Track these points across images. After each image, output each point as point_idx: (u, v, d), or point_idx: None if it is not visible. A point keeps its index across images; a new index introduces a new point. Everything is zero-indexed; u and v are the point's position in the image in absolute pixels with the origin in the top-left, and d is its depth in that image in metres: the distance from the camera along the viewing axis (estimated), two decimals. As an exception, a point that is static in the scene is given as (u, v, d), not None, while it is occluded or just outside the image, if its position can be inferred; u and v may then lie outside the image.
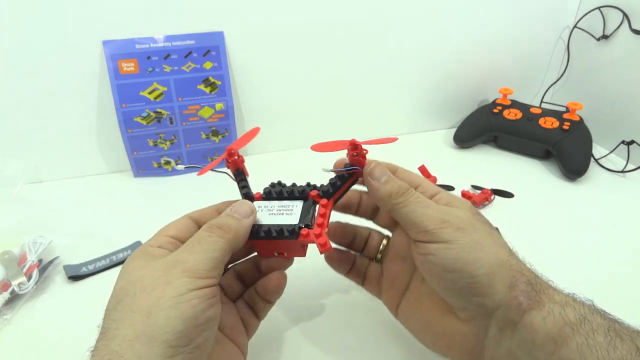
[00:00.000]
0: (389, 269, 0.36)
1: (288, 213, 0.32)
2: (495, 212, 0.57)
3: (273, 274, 0.34)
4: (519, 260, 0.30)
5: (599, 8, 0.69)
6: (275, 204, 0.33)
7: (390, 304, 0.36)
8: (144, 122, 0.60)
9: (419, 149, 0.73)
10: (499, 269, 0.28)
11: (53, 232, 0.51)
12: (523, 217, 0.56)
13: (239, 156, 0.35)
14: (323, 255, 0.35)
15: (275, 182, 0.36)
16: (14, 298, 0.43)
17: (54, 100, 0.59)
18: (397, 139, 0.34)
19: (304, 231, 0.30)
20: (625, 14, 0.66)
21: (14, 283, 0.43)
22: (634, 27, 0.65)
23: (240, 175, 0.35)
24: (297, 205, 0.33)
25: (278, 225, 0.31)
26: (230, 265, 0.36)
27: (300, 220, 0.31)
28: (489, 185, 0.60)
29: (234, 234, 0.29)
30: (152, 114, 0.60)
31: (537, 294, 0.28)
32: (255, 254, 0.36)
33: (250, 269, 0.35)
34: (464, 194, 0.59)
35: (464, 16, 0.69)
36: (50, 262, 0.47)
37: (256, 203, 0.33)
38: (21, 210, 0.56)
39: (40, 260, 0.47)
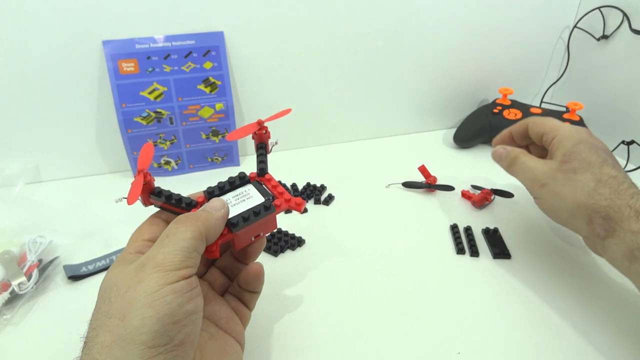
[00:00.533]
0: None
1: (248, 198, 0.34)
2: (495, 212, 0.57)
3: (250, 266, 0.35)
4: (601, 195, 0.37)
5: (599, 8, 0.69)
6: (228, 196, 0.34)
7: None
8: (144, 122, 0.60)
9: (419, 149, 0.73)
10: (577, 210, 0.38)
11: (53, 232, 0.51)
12: (523, 217, 0.56)
13: (266, 131, 0.37)
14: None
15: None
16: (14, 298, 0.43)
17: (54, 101, 0.59)
18: (291, 109, 0.39)
19: (276, 202, 0.34)
20: (625, 14, 0.66)
21: (14, 283, 0.43)
22: (634, 27, 0.65)
23: (261, 150, 0.37)
24: (249, 189, 0.35)
25: (251, 210, 0.32)
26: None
27: (264, 196, 0.34)
28: (489, 185, 0.60)
29: (202, 222, 0.29)
30: (152, 114, 0.60)
31: (612, 225, 0.36)
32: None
33: (230, 262, 0.36)
34: (464, 194, 0.59)
35: (464, 16, 0.69)
36: (50, 262, 0.47)
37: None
38: (21, 210, 0.56)
39: (40, 260, 0.47)
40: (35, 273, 0.45)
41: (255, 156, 0.37)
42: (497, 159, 0.48)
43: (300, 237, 0.51)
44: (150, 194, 0.32)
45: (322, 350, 0.39)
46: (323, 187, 0.61)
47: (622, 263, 0.36)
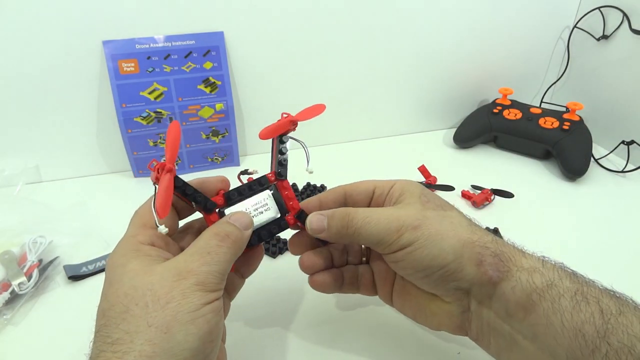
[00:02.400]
0: (377, 267, 0.37)
1: (265, 210, 0.33)
2: (495, 212, 0.57)
3: (252, 251, 0.34)
4: (480, 231, 0.31)
5: (599, 8, 0.69)
6: (248, 204, 0.33)
7: (385, 298, 0.37)
8: (144, 122, 0.60)
9: (419, 149, 0.73)
10: (463, 250, 0.30)
11: (53, 232, 0.51)
12: (523, 217, 0.56)
13: (294, 128, 0.35)
14: (312, 287, 0.36)
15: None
16: (14, 298, 0.43)
17: (54, 101, 0.59)
18: (325, 106, 0.36)
19: (289, 219, 0.34)
20: (625, 14, 0.66)
21: (14, 283, 0.43)
22: (634, 27, 0.65)
23: (282, 146, 0.35)
24: (267, 198, 0.33)
25: (267, 225, 0.33)
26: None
27: (280, 210, 0.33)
28: (489, 185, 0.60)
29: (239, 247, 0.29)
30: (152, 114, 0.60)
31: (505, 263, 0.29)
32: None
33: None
34: (464, 194, 0.59)
35: (464, 16, 0.69)
36: (50, 262, 0.47)
37: (233, 209, 0.33)
38: (21, 210, 0.56)
39: (40, 260, 0.47)
40: (35, 273, 0.45)
41: (269, 154, 0.35)
42: (319, 229, 0.33)
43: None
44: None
45: (322, 349, 0.39)
46: (323, 187, 0.61)
47: (515, 316, 0.28)
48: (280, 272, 0.47)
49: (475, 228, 0.31)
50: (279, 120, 0.34)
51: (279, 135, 0.34)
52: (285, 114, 0.35)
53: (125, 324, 0.24)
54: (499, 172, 0.66)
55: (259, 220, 0.33)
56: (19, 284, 0.43)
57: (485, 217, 0.55)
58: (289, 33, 0.63)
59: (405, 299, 0.35)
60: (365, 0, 0.63)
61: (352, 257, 0.38)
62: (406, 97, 0.75)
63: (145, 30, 0.58)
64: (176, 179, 0.29)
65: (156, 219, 0.28)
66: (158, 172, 0.28)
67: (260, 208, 0.33)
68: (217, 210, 0.32)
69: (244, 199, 0.33)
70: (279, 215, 0.33)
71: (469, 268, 0.29)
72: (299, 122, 0.35)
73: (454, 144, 0.73)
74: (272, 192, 0.34)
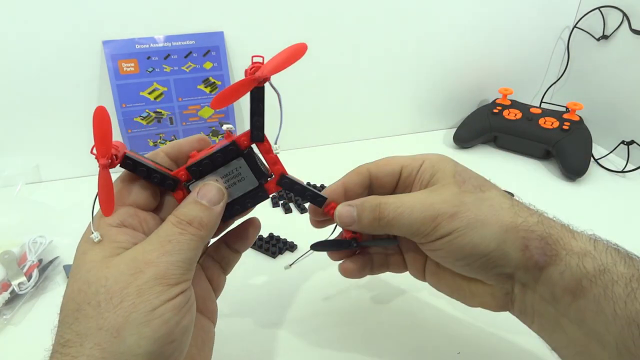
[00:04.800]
0: (405, 244, 0.34)
1: (239, 180, 0.29)
2: (495, 212, 0.57)
3: (247, 221, 0.31)
4: (524, 211, 0.28)
5: (599, 8, 0.69)
6: (217, 176, 0.28)
7: (417, 276, 0.34)
8: (144, 122, 0.60)
9: (419, 149, 0.72)
10: (506, 236, 0.27)
11: (53, 232, 0.51)
12: (523, 217, 0.56)
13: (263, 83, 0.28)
14: (342, 274, 0.34)
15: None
16: (14, 298, 0.43)
17: (54, 101, 0.59)
18: (306, 46, 0.30)
19: (269, 187, 0.29)
20: (625, 14, 0.66)
21: (14, 283, 0.43)
22: (634, 27, 0.65)
23: (257, 100, 0.29)
24: (241, 166, 0.28)
25: (241, 198, 0.29)
26: None
27: (258, 177, 0.29)
28: (489, 185, 0.60)
29: (206, 230, 0.26)
30: (152, 114, 0.60)
31: (552, 247, 0.27)
32: None
33: (219, 248, 0.33)
34: (464, 194, 0.59)
35: (464, 16, 0.69)
36: (50, 262, 0.47)
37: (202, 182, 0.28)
38: (21, 210, 0.56)
39: (40, 260, 0.47)
40: (35, 273, 0.45)
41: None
42: (349, 221, 0.30)
43: (292, 242, 0.51)
44: (120, 165, 0.26)
45: (322, 349, 0.39)
46: (323, 187, 0.61)
47: (562, 300, 0.26)
48: (280, 272, 0.47)
49: (518, 209, 0.28)
50: (241, 80, 0.27)
51: (251, 91, 0.28)
52: (256, 57, 0.28)
53: (77, 325, 0.22)
54: (499, 172, 0.65)
55: (234, 193, 0.29)
56: (19, 284, 0.43)
57: (485, 217, 0.55)
58: (289, 33, 0.63)
59: (441, 278, 0.32)
60: (365, 1, 0.63)
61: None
62: (406, 97, 0.74)
63: (145, 30, 0.58)
64: (125, 160, 0.26)
65: (91, 225, 0.25)
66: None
67: (233, 179, 0.28)
68: (183, 184, 0.28)
69: (211, 171, 0.28)
70: (257, 185, 0.29)
71: (513, 254, 0.27)
72: (272, 74, 0.28)
73: (454, 144, 0.73)
74: (245, 158, 0.28)
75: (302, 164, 0.69)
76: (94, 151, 0.24)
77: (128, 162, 0.26)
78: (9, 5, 0.52)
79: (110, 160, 0.25)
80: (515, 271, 0.28)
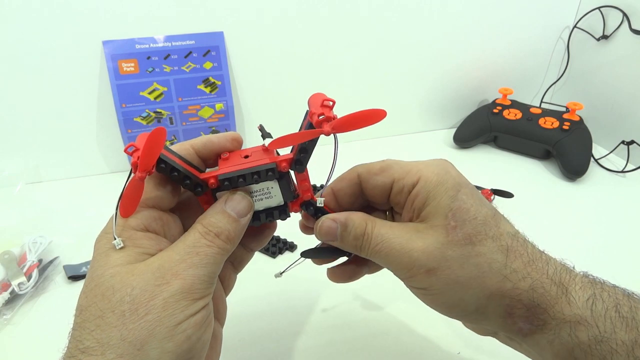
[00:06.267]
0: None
1: (267, 197, 0.28)
2: (495, 212, 0.57)
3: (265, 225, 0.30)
4: (518, 272, 0.25)
5: (599, 8, 0.69)
6: (248, 188, 0.28)
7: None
8: (144, 122, 0.60)
9: (419, 149, 0.73)
10: (488, 302, 0.25)
11: (53, 232, 0.51)
12: (523, 217, 0.55)
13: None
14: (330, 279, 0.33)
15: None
16: (14, 298, 0.43)
17: (54, 101, 0.59)
18: (385, 113, 0.27)
19: (292, 206, 0.29)
20: (625, 14, 0.66)
21: (14, 283, 0.43)
22: (634, 27, 0.65)
23: (312, 142, 0.28)
24: (273, 186, 0.28)
25: (267, 210, 0.28)
26: None
27: (285, 198, 0.28)
28: (489, 185, 0.60)
29: (232, 244, 0.25)
30: (152, 114, 0.60)
31: (540, 316, 0.24)
32: None
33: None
34: (464, 194, 0.59)
35: (464, 16, 0.69)
36: (50, 262, 0.47)
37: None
38: (21, 210, 0.56)
39: (40, 260, 0.47)
40: (35, 273, 0.45)
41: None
42: (330, 238, 0.29)
43: (292, 242, 0.51)
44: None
45: (321, 349, 0.39)
46: (323, 187, 0.61)
47: None
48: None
49: (512, 268, 0.25)
50: (305, 130, 0.26)
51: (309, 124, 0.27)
52: (327, 102, 0.26)
53: (99, 332, 0.22)
54: (499, 172, 0.66)
55: (258, 206, 0.28)
56: (19, 284, 0.43)
57: (485, 217, 0.55)
58: (289, 33, 0.63)
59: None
60: (365, 2, 0.63)
61: None
62: (406, 97, 0.74)
63: (145, 30, 0.58)
64: (160, 158, 0.25)
65: (114, 228, 0.24)
66: (136, 164, 0.23)
67: (261, 195, 0.28)
68: (209, 192, 0.27)
69: (244, 185, 0.27)
70: (282, 204, 0.29)
71: (495, 319, 0.25)
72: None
73: (454, 144, 0.73)
74: (280, 181, 0.28)
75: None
76: (136, 159, 0.23)
77: (161, 166, 0.25)
78: (8, 6, 0.52)
79: (147, 173, 0.24)
80: (498, 331, 0.27)
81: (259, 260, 0.49)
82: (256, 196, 0.28)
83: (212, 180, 0.26)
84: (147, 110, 0.60)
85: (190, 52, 0.60)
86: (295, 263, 0.33)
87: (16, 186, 0.59)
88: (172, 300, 0.22)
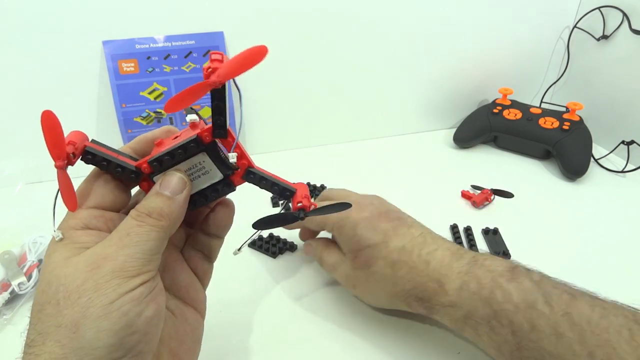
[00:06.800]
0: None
1: (204, 173, 0.28)
2: (495, 212, 0.57)
3: (220, 207, 0.31)
4: (405, 278, 0.36)
5: (599, 8, 0.69)
6: (180, 169, 0.28)
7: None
8: (144, 122, 0.60)
9: (419, 149, 0.73)
10: (393, 300, 0.38)
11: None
12: (523, 217, 0.56)
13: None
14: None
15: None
16: (14, 298, 0.43)
17: (54, 100, 0.59)
18: (266, 49, 0.26)
19: (234, 179, 0.29)
20: (625, 14, 0.66)
21: (14, 283, 0.43)
22: (634, 27, 0.65)
23: (218, 96, 0.27)
24: (204, 160, 0.28)
25: (211, 187, 0.28)
26: None
27: (223, 170, 0.28)
28: (489, 185, 0.60)
29: (167, 220, 0.25)
30: (152, 114, 0.60)
31: (427, 304, 0.35)
32: None
33: (198, 235, 0.32)
34: (464, 194, 0.59)
35: (464, 16, 0.69)
36: (50, 262, 0.47)
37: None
38: (21, 210, 0.56)
39: (40, 260, 0.47)
40: (35, 273, 0.45)
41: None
42: (312, 257, 0.45)
43: (292, 242, 0.51)
44: (81, 159, 0.26)
45: (321, 349, 0.39)
46: (323, 187, 0.61)
47: (457, 328, 0.35)
48: (280, 272, 0.47)
49: (398, 276, 0.36)
50: (197, 83, 0.25)
51: (210, 91, 0.26)
52: (215, 55, 0.26)
53: (40, 325, 0.23)
54: (499, 172, 0.66)
55: (200, 184, 0.28)
56: (19, 284, 0.43)
57: (485, 217, 0.55)
58: (290, 33, 0.63)
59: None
60: (365, 2, 0.63)
61: None
62: (406, 97, 0.75)
63: (145, 30, 0.58)
64: (85, 155, 0.26)
65: (53, 222, 0.25)
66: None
67: (197, 172, 0.28)
68: (148, 176, 0.28)
69: (173, 165, 0.27)
70: (222, 177, 0.28)
71: (404, 307, 0.38)
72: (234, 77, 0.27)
73: (454, 144, 0.73)
74: (208, 152, 0.28)
75: (302, 164, 0.69)
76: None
77: (88, 157, 0.26)
78: (8, 6, 0.52)
79: (66, 161, 0.25)
80: (411, 312, 0.38)
81: (259, 261, 0.49)
82: (193, 174, 0.28)
83: (144, 165, 0.27)
84: (147, 110, 0.60)
85: (191, 52, 0.60)
86: (251, 237, 0.36)
87: (16, 186, 0.59)
88: (103, 281, 0.23)
